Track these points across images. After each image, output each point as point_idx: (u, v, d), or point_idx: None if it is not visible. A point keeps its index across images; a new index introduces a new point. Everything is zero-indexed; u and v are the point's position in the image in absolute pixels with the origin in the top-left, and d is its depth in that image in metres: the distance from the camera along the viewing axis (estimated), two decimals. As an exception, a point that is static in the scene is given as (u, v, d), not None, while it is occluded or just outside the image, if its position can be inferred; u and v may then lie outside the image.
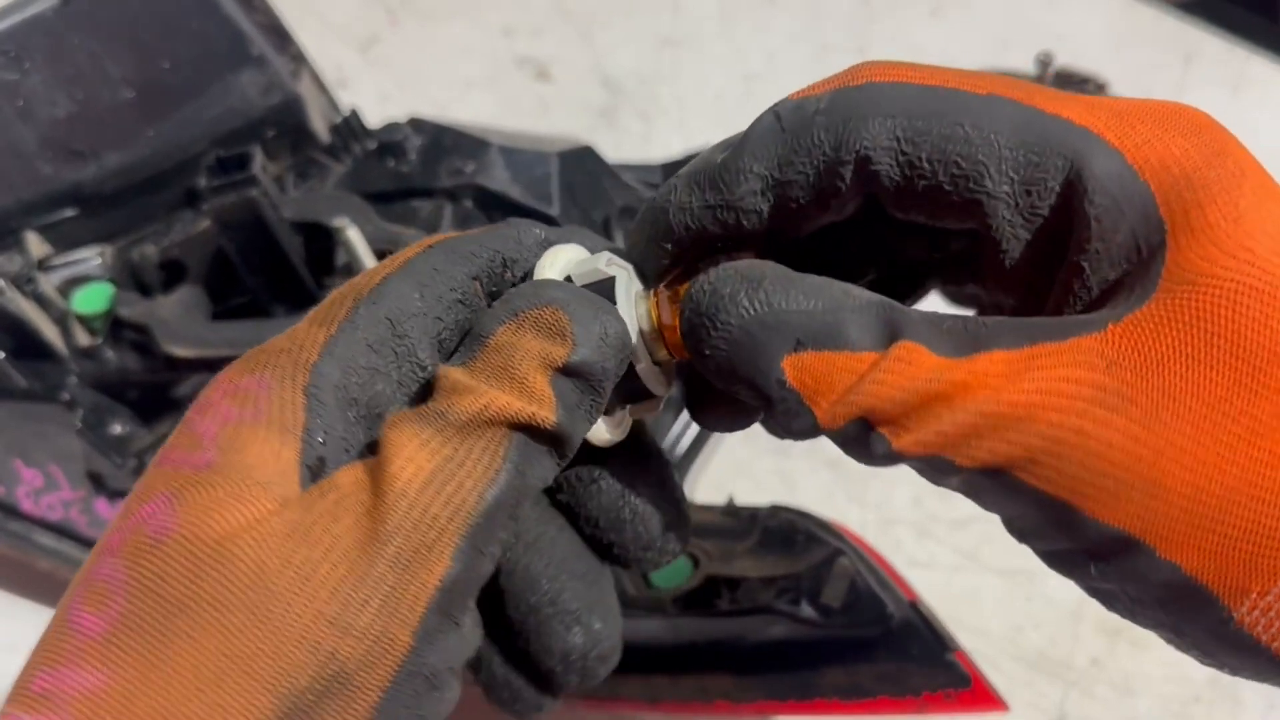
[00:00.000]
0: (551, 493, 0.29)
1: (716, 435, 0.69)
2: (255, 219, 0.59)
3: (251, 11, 0.66)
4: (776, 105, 0.27)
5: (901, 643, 0.52)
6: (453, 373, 0.24)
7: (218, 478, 0.23)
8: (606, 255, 0.28)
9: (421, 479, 0.23)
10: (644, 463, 0.29)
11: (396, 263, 0.27)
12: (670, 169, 0.75)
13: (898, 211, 0.27)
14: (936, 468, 0.24)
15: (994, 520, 0.25)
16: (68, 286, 0.63)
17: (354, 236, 0.58)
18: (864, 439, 0.24)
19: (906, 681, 0.52)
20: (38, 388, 0.61)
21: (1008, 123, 0.25)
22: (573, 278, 0.28)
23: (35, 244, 0.63)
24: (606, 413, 0.28)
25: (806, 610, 0.54)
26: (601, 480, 0.28)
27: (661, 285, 0.28)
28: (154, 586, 0.22)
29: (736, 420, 0.30)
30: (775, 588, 0.56)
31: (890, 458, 0.24)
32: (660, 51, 1.08)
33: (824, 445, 0.82)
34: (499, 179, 0.64)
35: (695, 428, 0.69)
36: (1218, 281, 0.23)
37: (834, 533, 0.58)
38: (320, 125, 0.69)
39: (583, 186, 0.65)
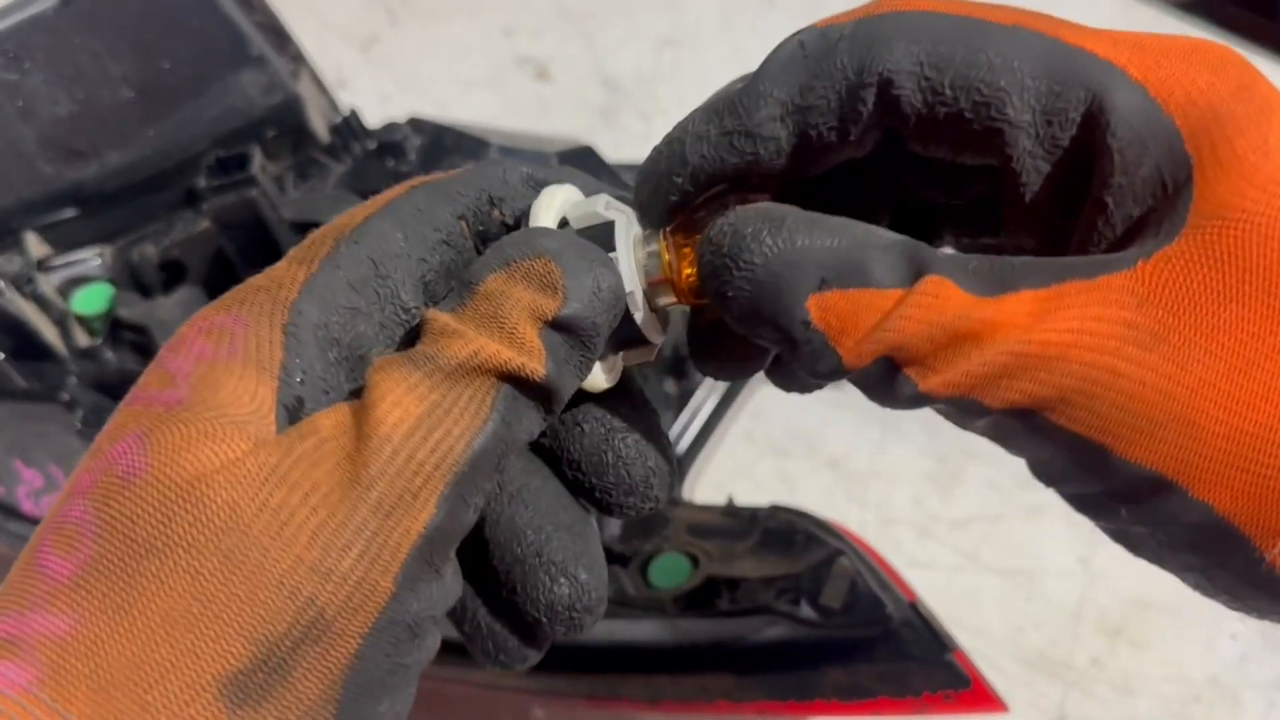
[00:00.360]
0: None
1: (716, 435, 0.69)
2: (255, 219, 0.59)
3: (251, 11, 0.66)
4: (799, 32, 0.27)
5: (901, 643, 0.52)
6: (441, 317, 0.24)
7: (190, 415, 0.22)
8: (605, 198, 0.27)
9: (408, 424, 0.22)
10: (630, 408, 0.28)
11: (379, 203, 0.27)
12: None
13: (918, 144, 0.26)
14: (964, 410, 0.24)
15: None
16: (67, 287, 0.63)
17: (354, 236, 0.58)
18: (889, 380, 0.24)
19: (906, 682, 0.52)
20: (38, 388, 0.61)
21: (1030, 53, 0.24)
22: (570, 221, 0.27)
23: (35, 244, 0.63)
24: (599, 358, 0.27)
25: (806, 610, 0.54)
26: (586, 423, 0.28)
27: (668, 229, 0.27)
28: (123, 528, 0.21)
29: (743, 367, 0.30)
30: (775, 588, 0.56)
31: (916, 399, 0.24)
32: (660, 51, 1.08)
33: (824, 445, 0.82)
34: (499, 179, 0.64)
35: (695, 427, 0.69)
36: (1249, 215, 0.22)
37: (834, 533, 0.58)
38: (320, 125, 0.69)
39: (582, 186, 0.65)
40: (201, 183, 0.61)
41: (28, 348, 0.61)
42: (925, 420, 0.78)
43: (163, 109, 0.64)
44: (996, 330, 0.22)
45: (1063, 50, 0.24)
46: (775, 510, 0.61)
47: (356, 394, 0.23)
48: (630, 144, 1.00)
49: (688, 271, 0.27)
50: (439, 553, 0.23)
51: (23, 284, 0.61)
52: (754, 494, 0.74)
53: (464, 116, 0.75)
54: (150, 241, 0.65)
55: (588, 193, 0.28)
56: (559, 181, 0.28)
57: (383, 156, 0.67)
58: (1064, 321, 0.22)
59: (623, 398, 0.28)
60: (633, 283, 0.26)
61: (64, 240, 0.64)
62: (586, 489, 0.28)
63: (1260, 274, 0.22)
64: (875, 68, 0.25)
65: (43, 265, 0.63)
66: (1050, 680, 0.66)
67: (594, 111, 1.04)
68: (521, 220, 0.27)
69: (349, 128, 0.69)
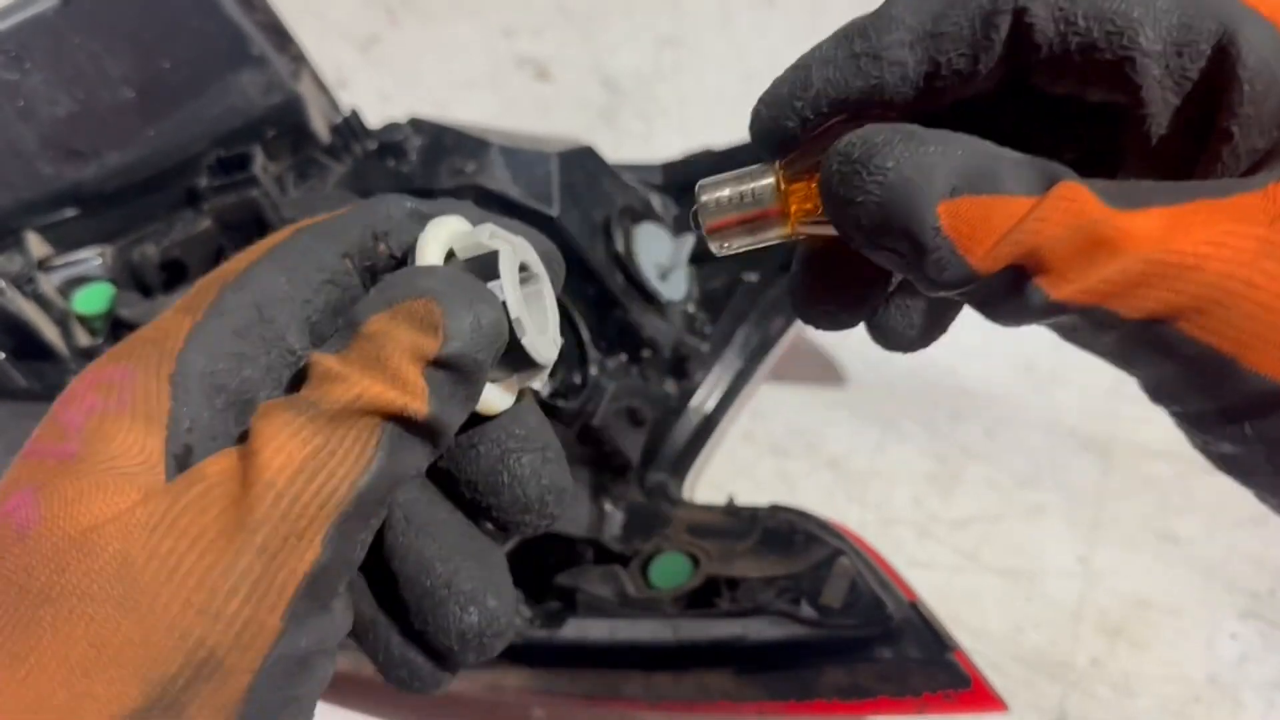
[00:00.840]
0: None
1: (716, 435, 0.69)
2: (256, 219, 0.59)
3: (251, 11, 0.66)
4: None
5: (901, 643, 0.52)
6: (325, 360, 0.24)
7: (82, 468, 0.23)
8: (490, 228, 0.28)
9: (292, 469, 0.23)
10: (527, 427, 0.28)
11: (263, 248, 0.27)
12: (670, 169, 0.75)
13: (1047, 78, 0.26)
14: (1095, 322, 0.24)
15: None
16: (68, 287, 0.63)
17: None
18: (1018, 290, 0.24)
19: (906, 681, 0.52)
20: (38, 388, 0.61)
21: None
22: (456, 252, 0.27)
23: (35, 244, 0.63)
24: (492, 380, 0.28)
25: (806, 610, 0.54)
26: (481, 444, 0.28)
27: (780, 162, 0.28)
28: (19, 580, 0.22)
29: (851, 310, 0.29)
30: (775, 588, 0.56)
31: (1047, 310, 0.24)
32: (660, 51, 1.08)
33: (824, 445, 0.82)
34: (499, 179, 0.64)
35: (695, 426, 0.69)
36: None
37: (834, 533, 0.58)
38: (320, 125, 0.69)
39: (583, 186, 0.65)
40: (202, 183, 0.61)
41: (28, 347, 0.61)
42: (925, 420, 0.78)
43: (163, 109, 0.64)
44: (1132, 240, 0.23)
45: None
46: (775, 510, 0.61)
47: (244, 438, 0.24)
48: (630, 144, 1.01)
49: (799, 207, 0.27)
50: (327, 589, 0.23)
51: (23, 284, 0.61)
52: (754, 494, 0.74)
53: (464, 116, 0.75)
54: (151, 241, 0.65)
55: (474, 223, 0.29)
56: (444, 214, 0.28)
57: (383, 156, 0.67)
58: (1198, 234, 0.23)
59: (520, 417, 0.29)
60: (518, 309, 0.26)
61: (65, 240, 0.64)
62: (484, 509, 0.28)
63: None
64: None
65: (43, 265, 0.63)
66: (1050, 680, 0.66)
67: (594, 111, 1.04)
68: (408, 254, 0.28)
69: (349, 128, 0.69)
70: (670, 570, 0.60)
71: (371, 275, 0.28)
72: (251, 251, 0.27)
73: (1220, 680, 0.65)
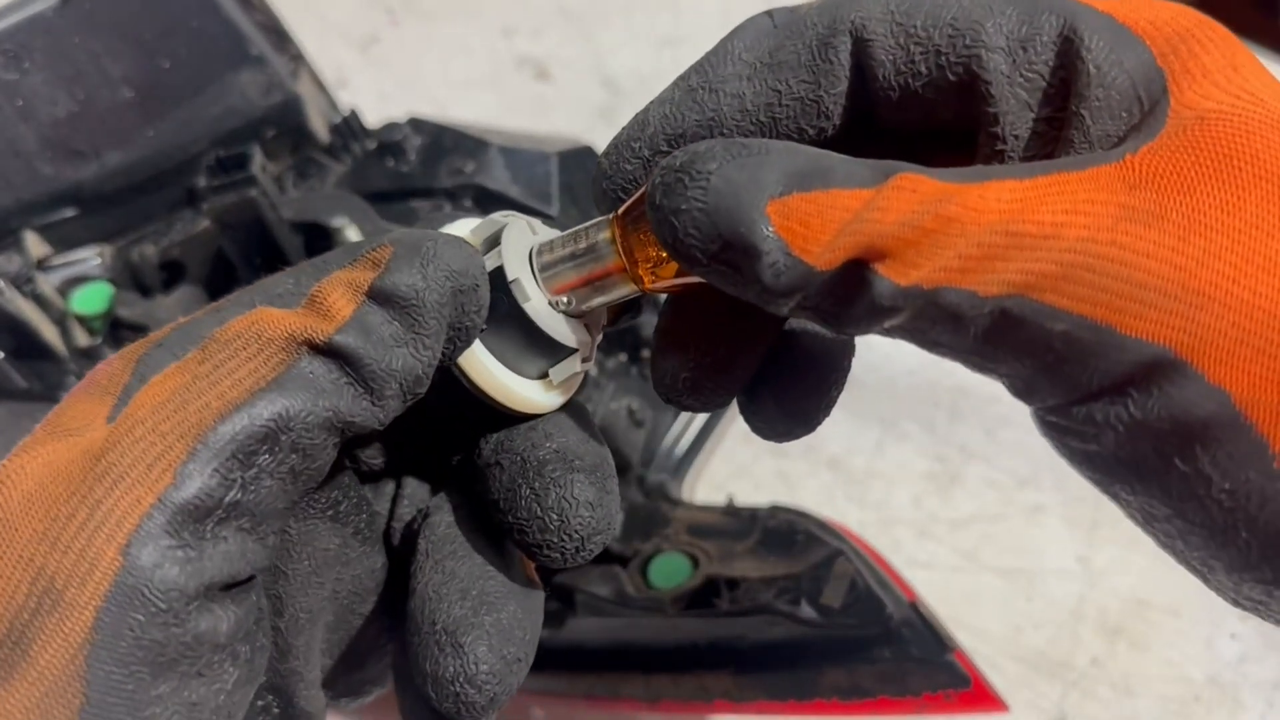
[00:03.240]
0: (469, 484, 0.28)
1: (716, 435, 0.69)
2: (255, 219, 0.59)
3: (251, 11, 0.66)
4: (763, 12, 0.26)
5: (901, 643, 0.52)
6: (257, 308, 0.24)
7: (40, 433, 0.24)
8: (513, 215, 0.27)
9: (161, 398, 0.22)
10: (559, 440, 0.27)
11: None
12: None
13: (894, 107, 0.25)
14: (953, 310, 0.22)
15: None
16: (67, 286, 0.63)
17: (354, 236, 0.58)
18: (862, 285, 0.22)
19: (906, 681, 0.52)
20: (37, 388, 0.61)
21: None
22: (472, 234, 0.27)
23: (35, 244, 0.63)
24: (532, 376, 0.26)
25: (806, 610, 0.54)
26: (504, 459, 0.26)
27: (619, 212, 0.26)
28: None
29: (719, 374, 0.27)
30: (775, 588, 0.56)
31: (898, 300, 0.22)
32: (660, 51, 1.08)
33: (824, 445, 0.82)
34: (499, 179, 0.64)
35: (695, 427, 0.69)
36: (1227, 116, 0.22)
37: (834, 533, 0.58)
38: (320, 125, 0.69)
39: (583, 186, 0.65)
40: (201, 182, 0.61)
41: (27, 347, 0.61)
42: (925, 420, 0.78)
43: (163, 109, 0.64)
44: (981, 213, 0.21)
45: None
46: (775, 510, 0.61)
47: None
48: (630, 144, 1.00)
49: (643, 256, 0.25)
50: (187, 526, 0.22)
51: (22, 283, 0.61)
52: (754, 494, 0.74)
53: (464, 116, 0.75)
54: (150, 241, 0.65)
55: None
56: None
57: (382, 156, 0.67)
58: (1054, 203, 0.21)
59: (555, 430, 0.27)
60: (516, 271, 0.25)
61: (64, 240, 0.64)
62: (507, 531, 0.27)
63: (1249, 163, 0.22)
64: (847, 17, 0.25)
65: (42, 265, 0.63)
66: (1050, 680, 0.66)
67: (594, 111, 1.04)
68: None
69: (349, 128, 0.69)
70: (670, 570, 0.60)
71: None
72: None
73: (1220, 680, 0.65)
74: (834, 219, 0.21)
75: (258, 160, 0.60)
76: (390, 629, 0.30)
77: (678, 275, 0.25)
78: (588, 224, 0.26)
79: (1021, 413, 0.26)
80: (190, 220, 0.65)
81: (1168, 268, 0.21)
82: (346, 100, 0.74)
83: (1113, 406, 0.23)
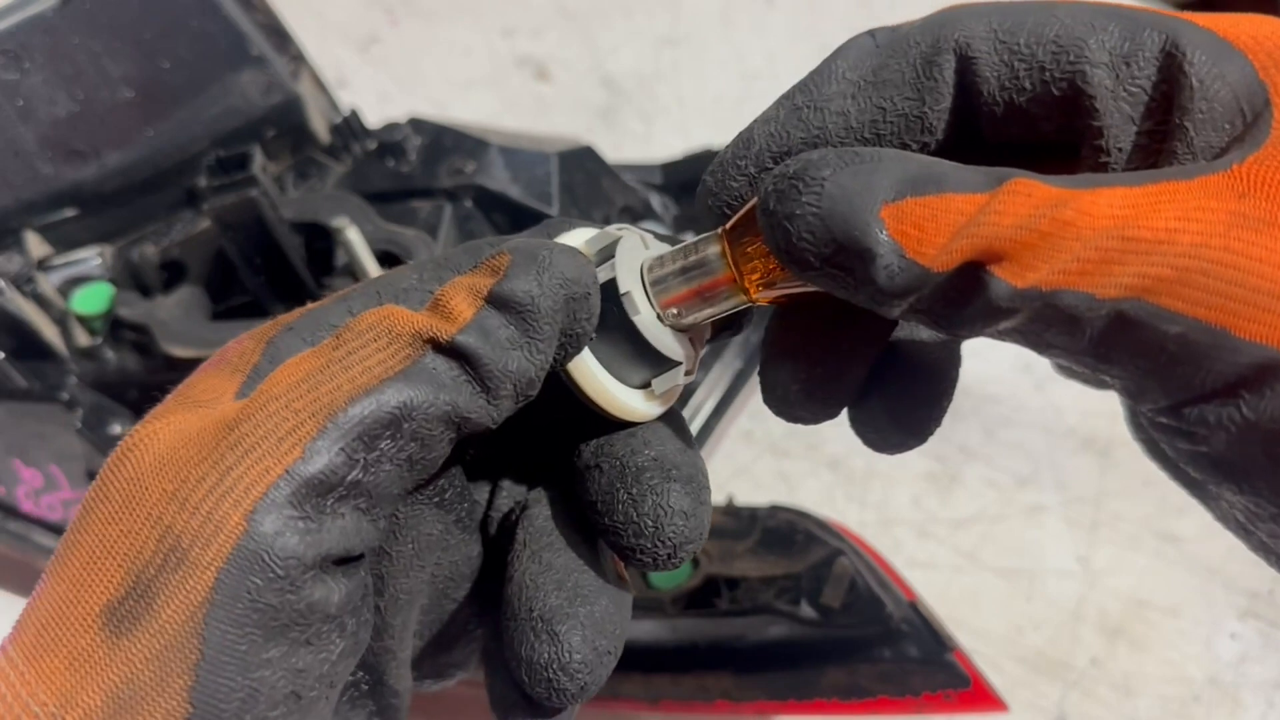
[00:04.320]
0: (567, 483, 0.29)
1: (716, 435, 0.69)
2: (255, 219, 0.59)
3: (251, 11, 0.66)
4: (866, 31, 0.27)
5: (901, 643, 0.52)
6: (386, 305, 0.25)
7: (170, 403, 0.26)
8: (629, 228, 0.28)
9: (296, 378, 0.24)
10: (657, 448, 0.28)
11: (419, 260, 0.29)
12: (670, 169, 0.75)
13: (998, 122, 0.26)
14: (1069, 313, 0.22)
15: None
16: (67, 286, 0.63)
17: (354, 237, 0.58)
18: (978, 287, 0.22)
19: (906, 681, 0.52)
20: (38, 388, 0.61)
21: (1101, 10, 0.25)
22: (587, 244, 0.27)
23: (35, 244, 0.63)
24: (635, 385, 0.27)
25: (806, 610, 0.54)
26: (604, 462, 0.27)
27: (727, 227, 0.27)
28: (94, 489, 0.24)
29: (829, 383, 0.28)
30: (775, 588, 0.56)
31: (1014, 301, 0.22)
32: (660, 51, 1.08)
33: (824, 445, 0.82)
34: (499, 179, 0.64)
35: (695, 427, 0.69)
36: None
37: (834, 533, 0.58)
38: (320, 125, 0.69)
39: (582, 186, 0.65)
40: (201, 183, 0.61)
41: (28, 347, 0.61)
42: (925, 420, 0.78)
43: (163, 109, 0.64)
44: (1096, 218, 0.22)
45: (1129, 10, 0.25)
46: (775, 510, 0.61)
47: None
48: (630, 144, 1.01)
49: (752, 267, 0.26)
50: (310, 500, 0.23)
51: (23, 283, 0.61)
52: (754, 494, 0.74)
53: (464, 116, 0.75)
54: (150, 241, 0.65)
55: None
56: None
57: (383, 156, 0.67)
58: (1166, 211, 0.22)
59: (654, 437, 0.28)
60: (629, 284, 0.26)
61: (64, 240, 0.64)
62: (603, 532, 0.27)
63: None
64: (951, 36, 0.25)
65: (43, 265, 0.63)
66: (1050, 680, 0.66)
67: (594, 111, 1.04)
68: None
69: (349, 128, 0.69)
70: (669, 570, 0.60)
71: None
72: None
73: (1220, 680, 0.65)
74: (949, 222, 0.22)
75: (258, 160, 0.60)
76: (479, 615, 0.31)
77: (784, 286, 0.26)
78: (696, 239, 0.27)
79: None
80: (190, 220, 0.65)
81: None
82: (346, 100, 0.74)
83: (1225, 408, 0.23)
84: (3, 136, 0.61)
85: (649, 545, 0.27)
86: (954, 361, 0.30)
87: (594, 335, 0.27)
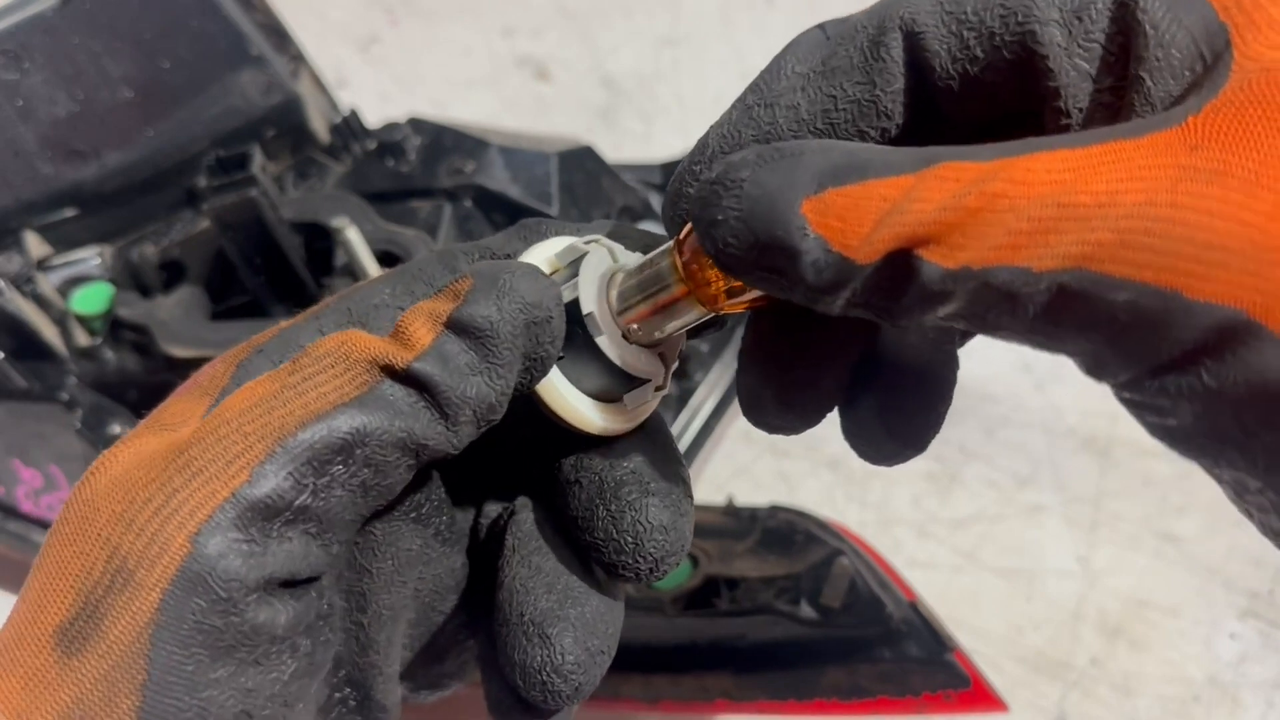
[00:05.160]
0: (551, 495, 0.29)
1: (716, 435, 0.69)
2: (255, 219, 0.59)
3: (251, 11, 0.66)
4: (819, 24, 0.26)
5: (901, 643, 0.52)
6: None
7: (141, 427, 0.26)
8: (599, 237, 0.27)
9: (250, 402, 0.24)
10: (635, 461, 0.27)
11: (394, 270, 0.28)
12: (670, 169, 0.75)
13: (953, 97, 0.25)
14: (1008, 290, 0.21)
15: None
16: (67, 286, 0.63)
17: (353, 236, 0.58)
18: (909, 274, 0.21)
19: (906, 681, 0.52)
20: (37, 388, 0.61)
21: None
22: (554, 256, 0.27)
23: (35, 244, 0.63)
24: (607, 400, 0.27)
25: (806, 610, 0.54)
26: (583, 478, 0.27)
27: (681, 236, 0.26)
28: (60, 510, 0.25)
29: (806, 391, 0.27)
30: (775, 588, 0.56)
31: (945, 283, 0.21)
32: (660, 51, 1.08)
33: (824, 445, 0.82)
34: (499, 179, 0.64)
35: (695, 427, 0.69)
36: None
37: (834, 533, 0.58)
38: (320, 125, 0.69)
39: (582, 186, 0.65)
40: (201, 183, 0.61)
41: (28, 347, 0.61)
42: (925, 420, 0.78)
43: (163, 109, 0.64)
44: (1032, 188, 0.20)
45: None
46: (775, 510, 0.61)
47: None
48: (630, 144, 1.01)
49: (711, 275, 0.25)
50: (255, 523, 0.23)
51: (22, 284, 0.61)
52: (754, 494, 0.74)
53: (464, 116, 0.75)
54: (150, 241, 0.65)
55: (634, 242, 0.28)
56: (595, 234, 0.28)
57: (383, 156, 0.67)
58: (1110, 171, 0.20)
59: (632, 451, 0.28)
60: (591, 304, 0.26)
61: (64, 240, 0.64)
62: (586, 548, 0.27)
63: None
64: (896, 14, 0.25)
65: (43, 265, 0.63)
66: (1050, 680, 0.66)
67: (594, 111, 1.04)
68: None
69: (349, 127, 0.69)
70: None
71: None
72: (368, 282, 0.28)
73: (1220, 680, 0.65)
74: (872, 210, 0.21)
75: (258, 160, 0.60)
76: (471, 625, 0.31)
77: (746, 293, 0.25)
78: (654, 252, 0.27)
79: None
80: (190, 220, 0.65)
81: (1234, 225, 0.20)
82: (346, 100, 0.74)
83: (1185, 377, 0.21)
84: (3, 136, 0.61)
85: (630, 561, 0.27)
86: (950, 365, 0.29)
87: (563, 355, 0.26)
